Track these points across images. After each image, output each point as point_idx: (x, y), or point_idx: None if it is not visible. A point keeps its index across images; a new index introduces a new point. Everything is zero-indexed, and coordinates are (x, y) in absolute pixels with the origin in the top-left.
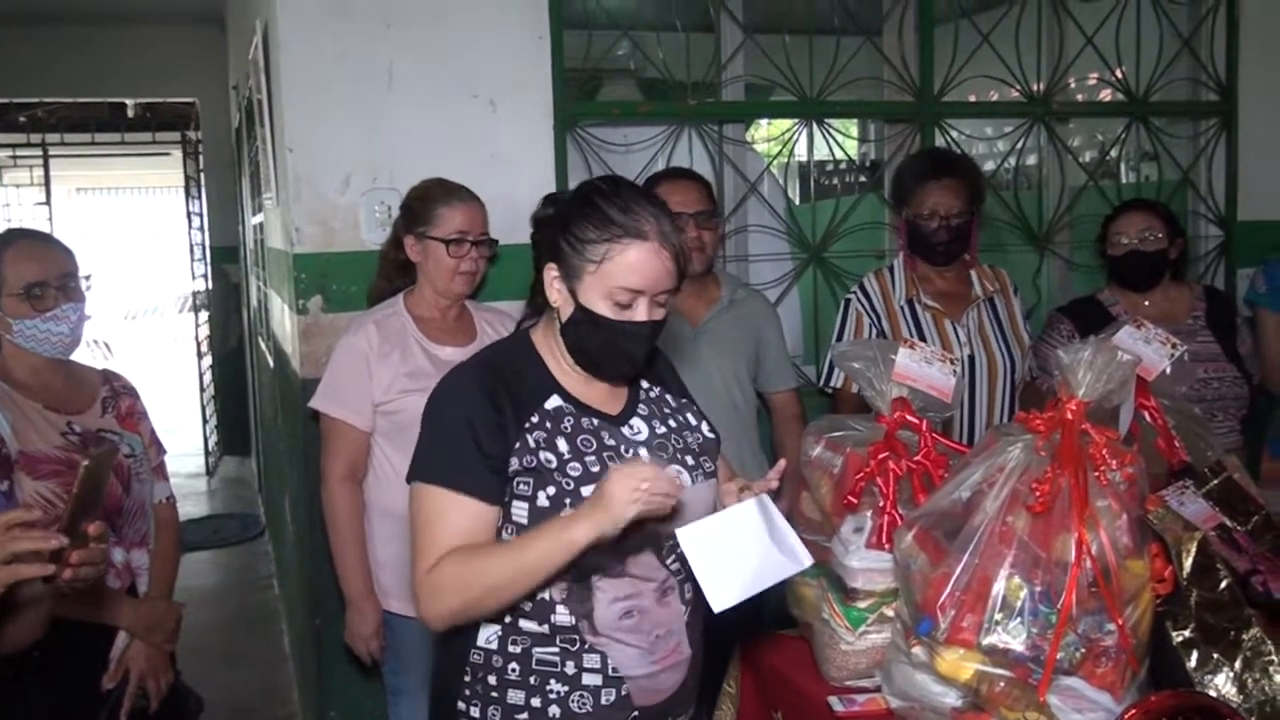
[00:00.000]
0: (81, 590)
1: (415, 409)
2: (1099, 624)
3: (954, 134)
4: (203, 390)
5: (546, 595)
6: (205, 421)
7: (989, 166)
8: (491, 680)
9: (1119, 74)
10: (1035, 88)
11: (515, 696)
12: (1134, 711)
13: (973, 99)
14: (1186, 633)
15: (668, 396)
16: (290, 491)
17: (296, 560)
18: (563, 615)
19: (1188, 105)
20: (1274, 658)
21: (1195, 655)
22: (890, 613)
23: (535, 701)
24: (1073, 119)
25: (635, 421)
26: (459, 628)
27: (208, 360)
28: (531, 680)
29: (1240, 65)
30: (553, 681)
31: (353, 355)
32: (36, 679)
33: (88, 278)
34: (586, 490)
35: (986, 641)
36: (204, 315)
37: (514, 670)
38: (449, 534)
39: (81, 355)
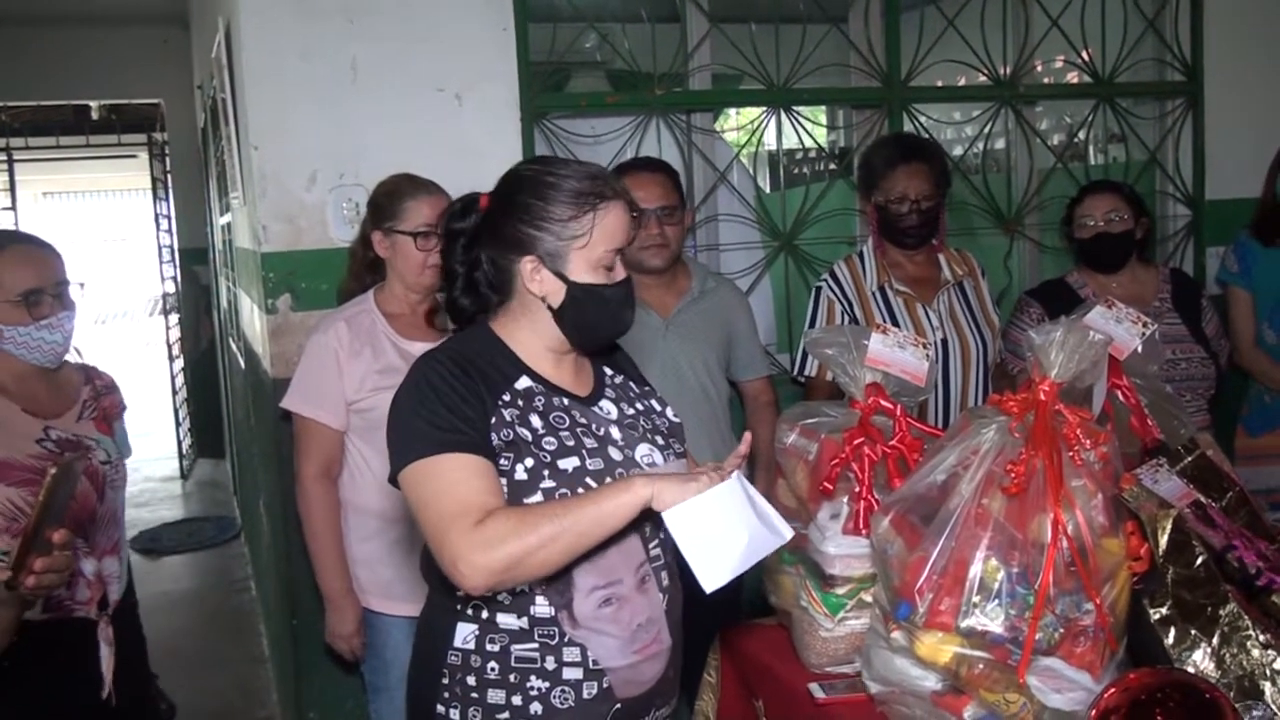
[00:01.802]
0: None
1: (388, 406)
2: (1077, 604)
3: (922, 119)
4: (175, 393)
5: (525, 586)
6: (178, 424)
7: (957, 151)
8: (470, 681)
9: (1085, 56)
10: (1002, 71)
11: (495, 696)
12: (1113, 690)
13: (940, 84)
14: (1164, 610)
15: (631, 384)
16: (265, 492)
17: (273, 561)
18: (542, 606)
19: (1154, 86)
20: (1251, 633)
21: (1173, 632)
22: (869, 598)
23: (516, 700)
24: (1040, 102)
25: (604, 403)
26: (434, 628)
27: (179, 363)
28: (511, 678)
29: (1205, 44)
30: (533, 678)
31: (323, 353)
32: (7, 689)
33: (81, 285)
34: (563, 463)
35: (965, 624)
36: (174, 318)
37: (493, 669)
38: (474, 490)
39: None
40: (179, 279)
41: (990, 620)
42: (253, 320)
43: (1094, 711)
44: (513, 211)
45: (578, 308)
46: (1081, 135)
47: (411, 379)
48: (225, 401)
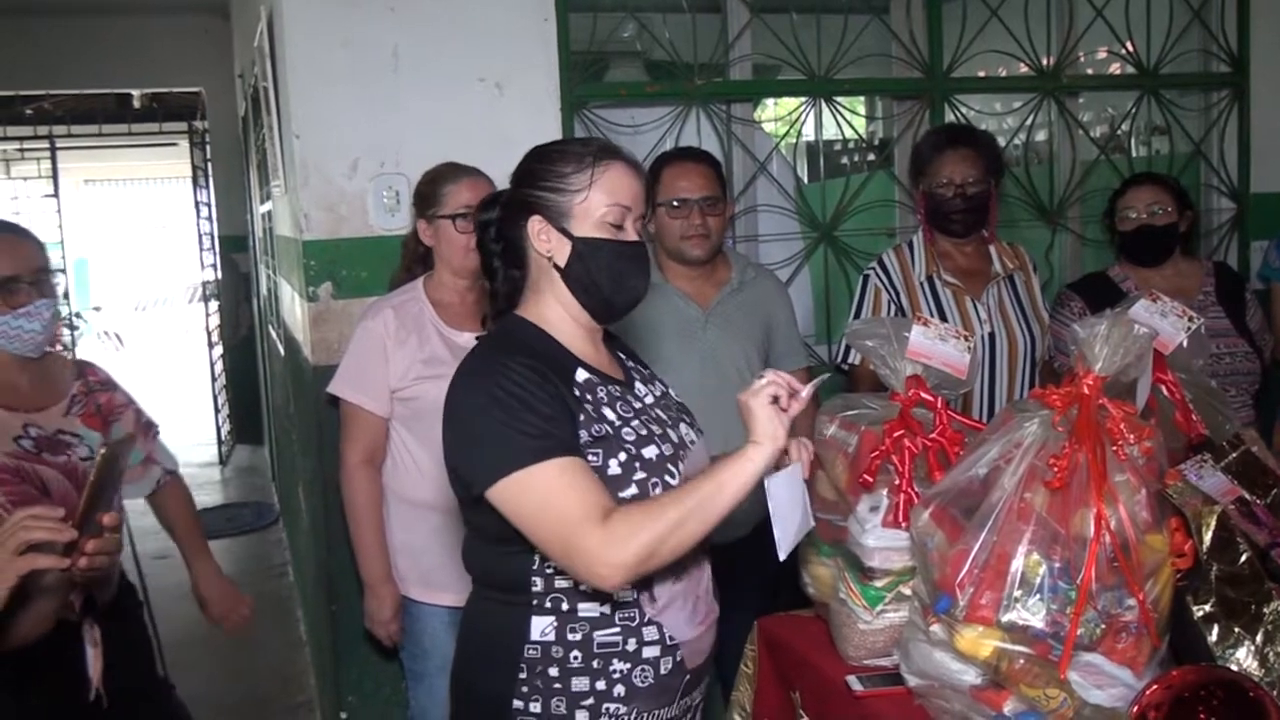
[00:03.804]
0: (94, 579)
1: (431, 396)
2: (1119, 600)
3: (964, 110)
4: (214, 380)
5: None
6: (217, 411)
7: (999, 142)
8: (553, 672)
9: (1129, 47)
10: (1045, 62)
11: (579, 684)
12: (1156, 687)
13: (982, 74)
14: (1207, 607)
15: (643, 367)
16: (304, 478)
17: (311, 547)
18: (624, 590)
19: (1199, 77)
20: None
21: (1216, 630)
22: (908, 591)
23: (600, 684)
24: (1083, 93)
25: (639, 386)
26: (501, 625)
27: (219, 350)
28: (594, 664)
29: (1252, 36)
30: (615, 661)
31: (370, 340)
32: (43, 673)
33: (62, 271)
34: (647, 451)
35: (1006, 619)
36: (214, 305)
37: (576, 658)
38: (589, 491)
39: (93, 349)
40: (219, 266)
41: (1031, 615)
42: (293, 308)
43: (1135, 708)
44: (521, 180)
45: (584, 264)
46: (1125, 127)
47: (487, 390)
48: (264, 388)
